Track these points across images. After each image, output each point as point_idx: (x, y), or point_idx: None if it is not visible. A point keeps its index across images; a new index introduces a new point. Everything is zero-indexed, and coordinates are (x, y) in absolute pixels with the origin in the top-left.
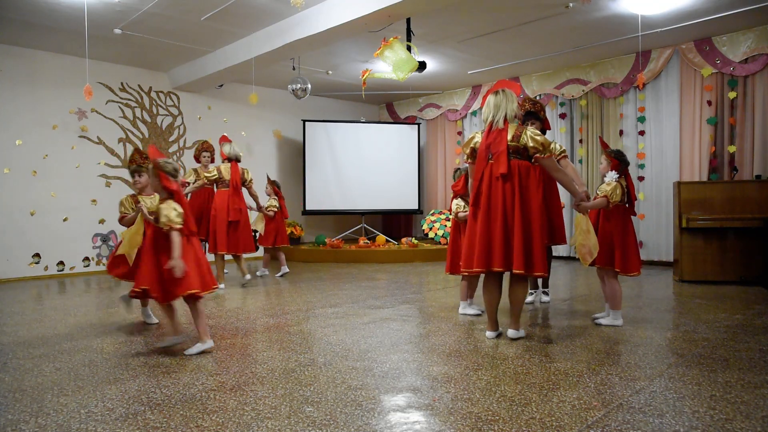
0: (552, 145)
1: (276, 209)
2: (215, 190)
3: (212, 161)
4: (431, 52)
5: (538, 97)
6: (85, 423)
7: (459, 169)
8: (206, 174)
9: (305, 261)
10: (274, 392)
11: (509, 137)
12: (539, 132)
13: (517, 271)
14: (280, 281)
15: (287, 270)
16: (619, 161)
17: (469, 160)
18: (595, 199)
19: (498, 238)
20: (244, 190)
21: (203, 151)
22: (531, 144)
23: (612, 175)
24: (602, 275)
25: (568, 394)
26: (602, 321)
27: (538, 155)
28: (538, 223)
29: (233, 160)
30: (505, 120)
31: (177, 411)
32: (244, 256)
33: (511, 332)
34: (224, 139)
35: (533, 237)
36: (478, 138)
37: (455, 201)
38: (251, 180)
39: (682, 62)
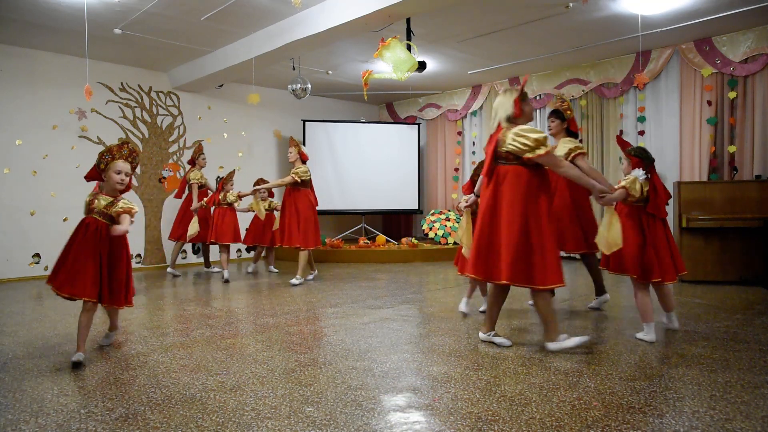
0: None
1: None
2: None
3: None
4: (431, 52)
5: (537, 98)
6: (85, 423)
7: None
8: (300, 172)
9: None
10: (274, 392)
11: (497, 140)
12: (528, 129)
13: (471, 276)
14: (273, 280)
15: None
16: (640, 158)
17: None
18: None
19: (474, 245)
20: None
21: (200, 153)
22: (513, 146)
23: (638, 173)
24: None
25: (568, 394)
26: (637, 335)
27: (528, 155)
28: (513, 232)
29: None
30: (499, 123)
31: (177, 411)
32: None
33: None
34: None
35: (503, 245)
36: None
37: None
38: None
39: (682, 62)
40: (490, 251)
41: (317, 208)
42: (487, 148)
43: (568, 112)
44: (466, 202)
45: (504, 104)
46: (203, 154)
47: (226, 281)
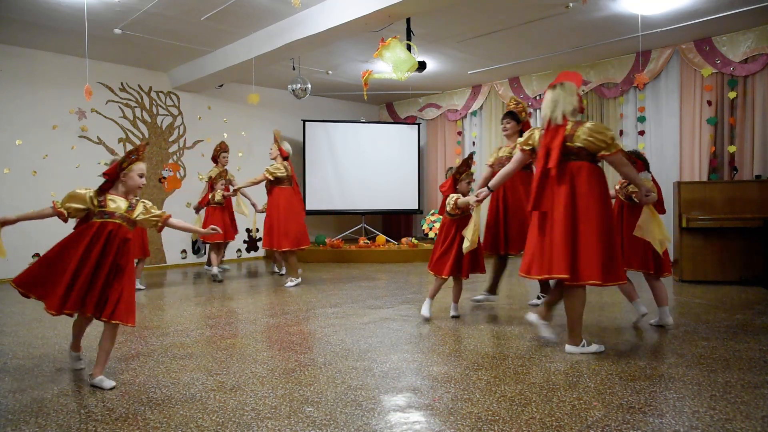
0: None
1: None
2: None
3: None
4: (431, 52)
5: (538, 97)
6: (85, 423)
7: (452, 168)
8: (271, 169)
9: (305, 261)
10: (274, 392)
11: (565, 134)
12: (603, 126)
13: (559, 276)
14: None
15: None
16: (643, 161)
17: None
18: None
19: (558, 243)
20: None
21: (222, 151)
22: (589, 141)
23: (647, 175)
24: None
25: (568, 394)
26: (652, 321)
27: (604, 153)
28: (594, 230)
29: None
30: (564, 117)
31: (177, 411)
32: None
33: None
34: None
35: (584, 243)
36: (537, 135)
37: (449, 197)
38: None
39: (682, 62)
40: (576, 251)
41: (315, 207)
42: (553, 142)
43: (523, 114)
44: (477, 197)
45: (567, 98)
46: (225, 152)
47: (219, 280)
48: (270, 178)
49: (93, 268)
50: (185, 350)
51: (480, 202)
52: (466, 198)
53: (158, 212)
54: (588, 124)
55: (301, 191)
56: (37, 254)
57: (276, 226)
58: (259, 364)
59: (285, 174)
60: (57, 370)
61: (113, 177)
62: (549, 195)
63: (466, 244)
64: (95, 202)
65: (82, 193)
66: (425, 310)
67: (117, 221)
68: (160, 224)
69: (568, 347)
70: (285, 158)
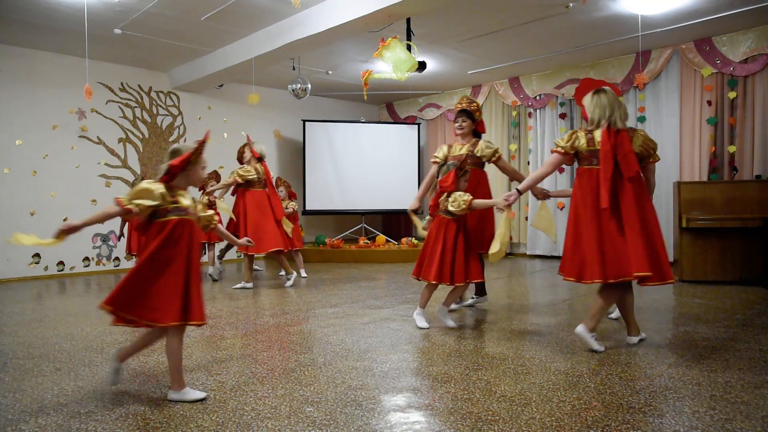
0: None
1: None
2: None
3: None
4: (431, 52)
5: (537, 97)
6: (85, 423)
7: (447, 164)
8: (241, 171)
9: (305, 261)
10: (274, 392)
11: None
12: (648, 135)
13: (644, 274)
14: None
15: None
16: None
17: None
18: None
19: (638, 243)
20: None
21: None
22: (642, 149)
23: None
24: None
25: (568, 394)
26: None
27: (651, 160)
28: (659, 230)
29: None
30: (622, 122)
31: (177, 411)
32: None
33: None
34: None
35: (658, 243)
36: (583, 139)
37: (455, 194)
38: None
39: (682, 62)
40: (655, 250)
41: (315, 207)
42: (623, 147)
43: (478, 113)
44: (507, 200)
45: (619, 103)
46: (245, 153)
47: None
48: (240, 181)
49: (187, 269)
50: (186, 350)
51: (509, 205)
52: (493, 200)
53: (210, 212)
54: (642, 132)
55: (278, 193)
56: (37, 254)
57: (243, 230)
58: (259, 364)
59: (256, 176)
60: (57, 369)
61: (179, 171)
62: (620, 196)
63: (495, 250)
64: (168, 199)
65: (153, 188)
66: (422, 323)
67: (192, 218)
68: (212, 226)
69: (580, 328)
70: (258, 160)
